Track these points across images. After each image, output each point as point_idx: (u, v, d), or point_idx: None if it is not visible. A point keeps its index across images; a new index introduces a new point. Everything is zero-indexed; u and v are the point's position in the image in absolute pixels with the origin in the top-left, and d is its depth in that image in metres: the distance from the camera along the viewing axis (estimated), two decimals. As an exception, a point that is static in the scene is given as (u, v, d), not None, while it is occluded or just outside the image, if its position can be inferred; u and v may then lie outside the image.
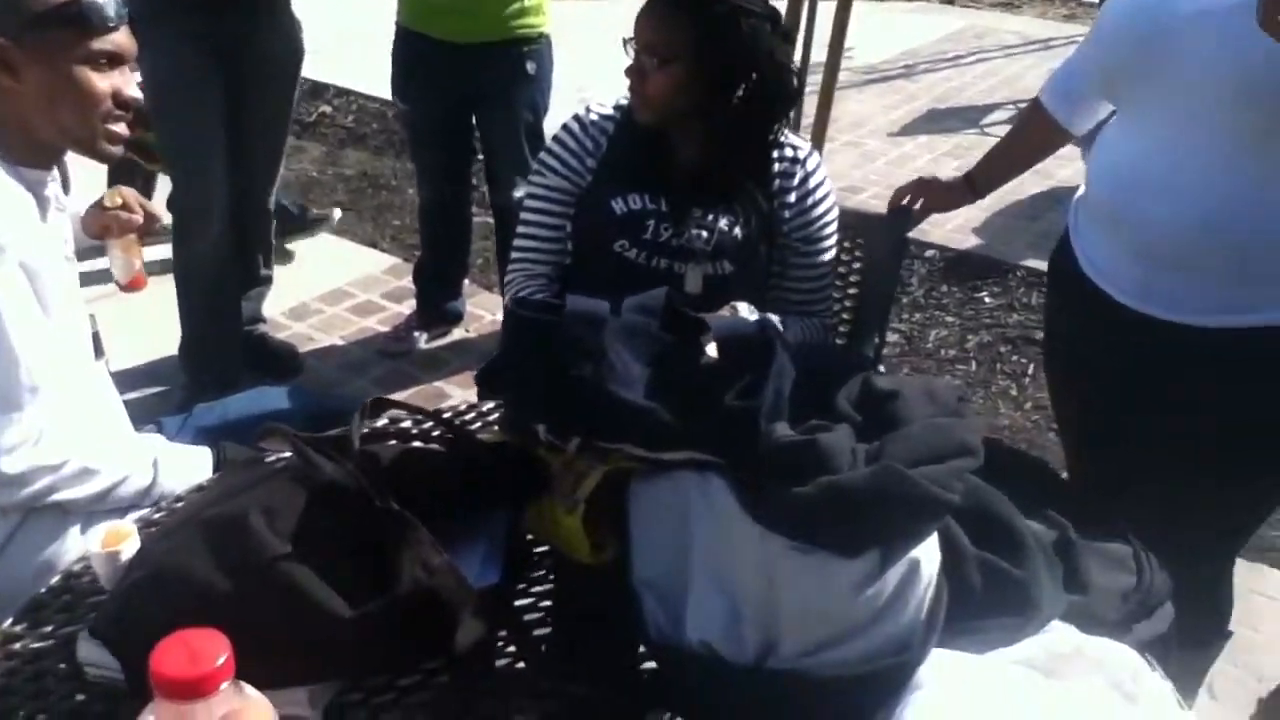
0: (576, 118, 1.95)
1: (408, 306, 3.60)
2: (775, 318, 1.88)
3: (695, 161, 1.88)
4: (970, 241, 4.23)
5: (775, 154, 1.92)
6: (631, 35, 1.82)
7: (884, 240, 2.22)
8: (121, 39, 1.56)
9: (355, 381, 3.24)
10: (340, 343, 3.44)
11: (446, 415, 1.52)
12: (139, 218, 1.95)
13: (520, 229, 1.98)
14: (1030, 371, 3.45)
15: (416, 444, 1.31)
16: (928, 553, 1.02)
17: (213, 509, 1.13)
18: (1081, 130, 1.95)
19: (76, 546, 1.58)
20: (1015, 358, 3.55)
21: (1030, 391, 3.36)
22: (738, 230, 1.87)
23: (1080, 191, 1.81)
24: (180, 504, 1.39)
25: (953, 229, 4.25)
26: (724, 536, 1.07)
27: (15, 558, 1.57)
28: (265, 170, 3.08)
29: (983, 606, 1.05)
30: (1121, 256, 1.64)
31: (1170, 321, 1.58)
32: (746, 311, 1.83)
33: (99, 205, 1.93)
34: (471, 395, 2.91)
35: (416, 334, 3.43)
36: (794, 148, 1.94)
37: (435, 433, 1.36)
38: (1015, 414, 3.26)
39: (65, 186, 1.75)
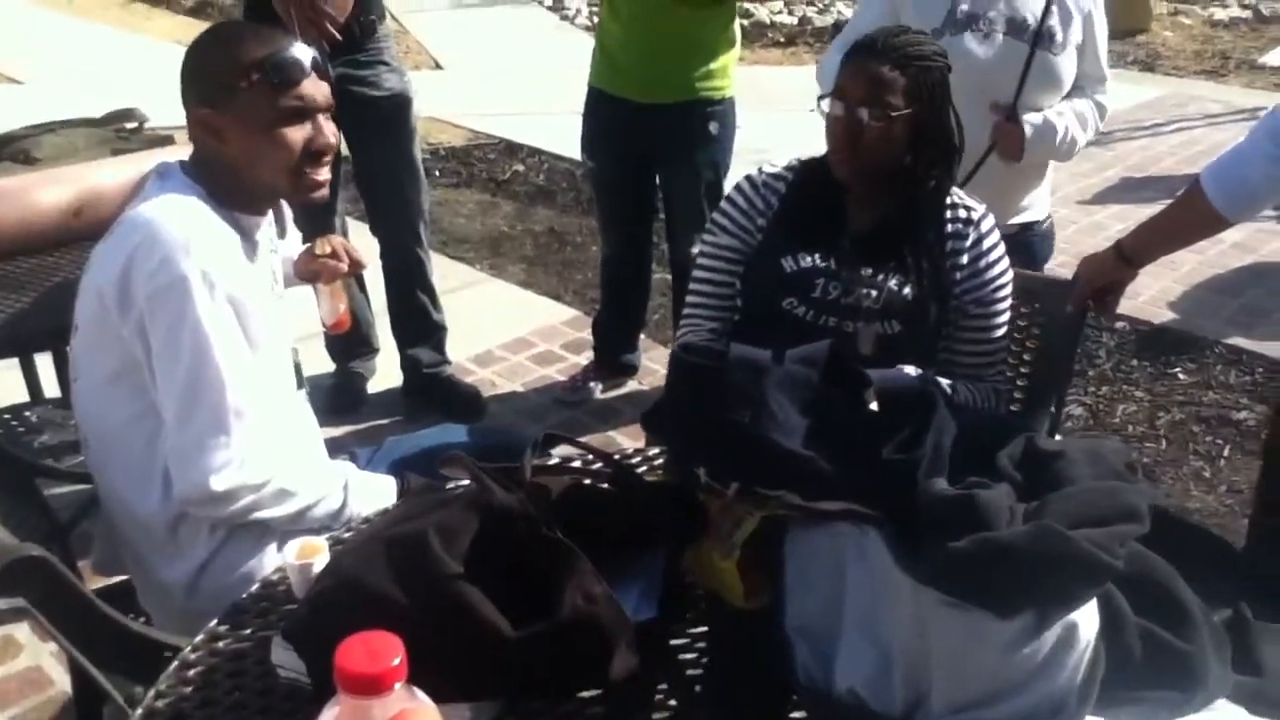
0: (749, 178, 1.99)
1: (585, 358, 3.71)
2: (945, 382, 1.88)
3: (869, 220, 1.89)
4: (1165, 315, 4.06)
5: (949, 214, 1.93)
6: (832, 90, 1.84)
7: (1064, 309, 2.17)
8: (309, 90, 1.65)
9: (532, 427, 3.35)
10: (520, 389, 3.58)
11: (614, 455, 1.58)
12: (345, 265, 2.10)
13: (692, 285, 2.03)
14: (1226, 453, 3.28)
15: (584, 480, 1.36)
16: (1086, 617, 1.01)
17: (395, 528, 1.21)
18: (1241, 220, 1.90)
19: (274, 562, 1.69)
20: (1209, 438, 3.37)
21: (1225, 474, 3.18)
22: (908, 290, 1.87)
23: None
24: (366, 524, 1.49)
25: (1146, 301, 4.09)
26: (878, 588, 1.08)
27: (220, 569, 1.70)
28: (405, 219, 3.20)
29: (1143, 677, 1.02)
30: None
31: None
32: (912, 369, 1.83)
33: (309, 252, 2.08)
34: (640, 443, 2.98)
35: (593, 384, 3.54)
36: (967, 208, 1.94)
37: (602, 471, 1.42)
38: (1207, 497, 3.10)
39: (282, 229, 1.90)
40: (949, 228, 1.92)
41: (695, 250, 2.07)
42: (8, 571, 1.30)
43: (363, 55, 2.98)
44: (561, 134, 5.78)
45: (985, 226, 1.94)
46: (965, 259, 1.92)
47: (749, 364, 1.21)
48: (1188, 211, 1.96)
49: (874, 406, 1.26)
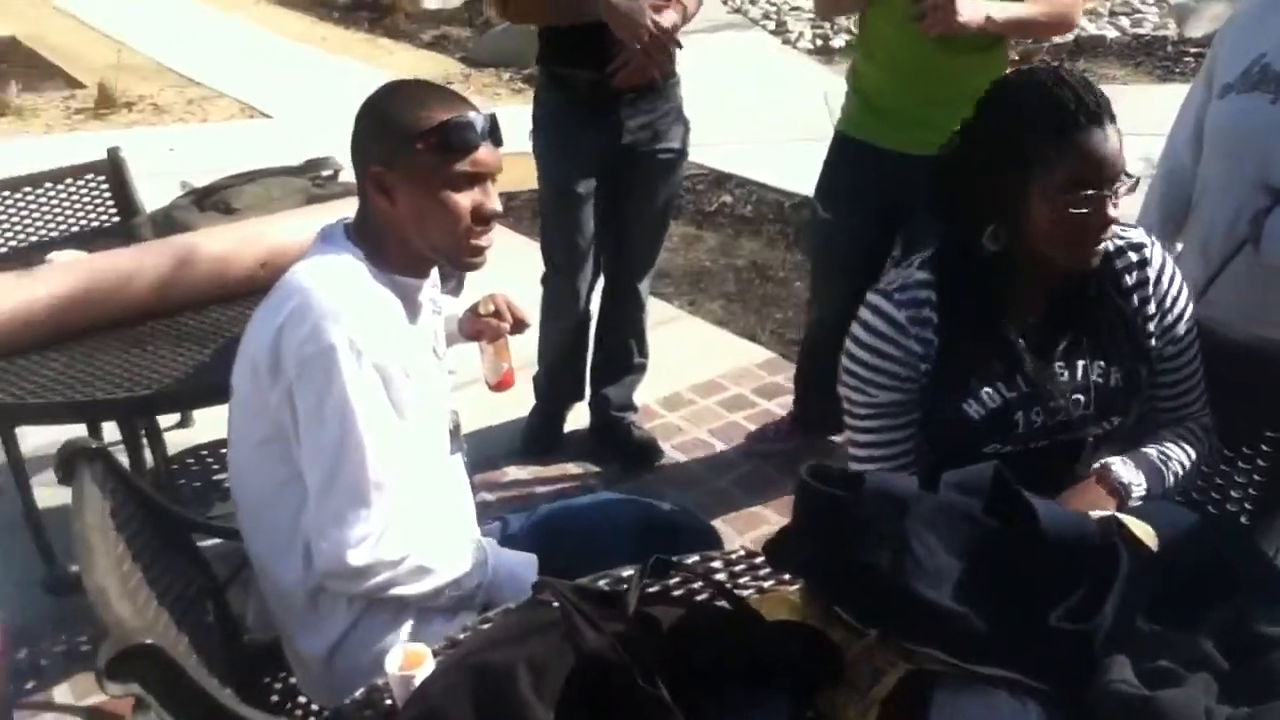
0: (883, 315, 1.64)
1: (778, 404, 3.54)
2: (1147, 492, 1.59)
3: (1038, 310, 1.62)
4: None
5: (1117, 262, 1.65)
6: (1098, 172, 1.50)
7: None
8: (483, 156, 1.62)
9: (717, 481, 3.22)
10: (707, 437, 3.45)
11: (736, 565, 1.41)
12: (509, 324, 2.05)
13: (854, 449, 1.72)
14: None
15: (707, 612, 1.22)
16: None
17: (486, 654, 1.11)
18: None
19: (394, 663, 1.64)
20: None
21: None
22: (1114, 375, 1.62)
23: None
24: (466, 633, 1.38)
25: None
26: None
27: (356, 644, 1.67)
28: (641, 262, 3.17)
29: None
30: None
31: None
32: (1124, 471, 1.57)
33: (473, 310, 2.04)
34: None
35: (789, 435, 3.34)
36: (1131, 243, 1.66)
37: (724, 603, 1.25)
38: None
39: (458, 289, 1.85)
40: (1126, 279, 1.65)
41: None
42: (122, 658, 1.28)
43: (665, 101, 2.92)
44: (774, 164, 5.64)
45: (1155, 255, 1.67)
46: (1152, 306, 1.66)
47: (887, 495, 1.03)
48: None
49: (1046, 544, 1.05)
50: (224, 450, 1.91)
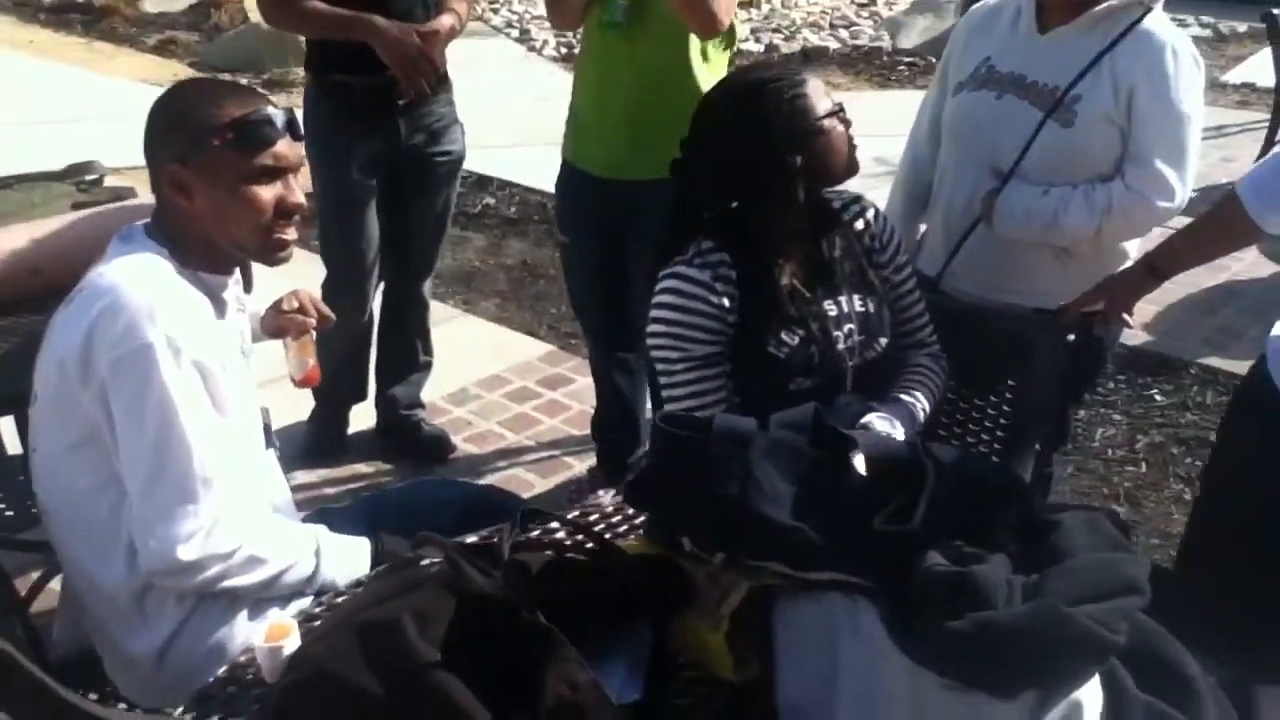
0: (690, 279, 1.82)
1: (564, 394, 3.67)
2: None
3: (801, 264, 1.87)
4: (1141, 338, 4.05)
5: (838, 208, 1.96)
6: (831, 106, 1.83)
7: (1048, 340, 2.16)
8: (283, 150, 1.63)
9: (511, 469, 3.31)
10: (497, 429, 3.53)
11: (594, 524, 1.54)
12: (313, 320, 2.06)
13: (678, 408, 1.84)
14: (1205, 475, 3.27)
15: (569, 553, 1.32)
16: (1090, 695, 0.97)
17: (367, 613, 1.17)
18: (1277, 230, 1.85)
19: (244, 631, 1.65)
20: (1189, 459, 3.36)
21: (1206, 498, 3.17)
22: (870, 304, 1.90)
23: None
24: (340, 600, 1.44)
25: (1121, 323, 4.09)
26: (873, 666, 1.05)
27: (188, 640, 1.64)
28: (423, 264, 3.20)
29: (1150, 757, 0.99)
30: None
31: None
32: (883, 424, 1.80)
33: (276, 307, 2.04)
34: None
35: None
36: (846, 196, 1.98)
37: (584, 544, 1.37)
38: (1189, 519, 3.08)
39: (248, 286, 1.86)
40: (856, 225, 1.96)
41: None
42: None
43: (440, 106, 2.94)
44: (532, 167, 5.76)
45: (868, 205, 2.00)
46: (877, 243, 1.97)
47: (734, 435, 1.17)
48: (1223, 223, 1.92)
49: (861, 470, 1.22)
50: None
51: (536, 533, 1.45)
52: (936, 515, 1.12)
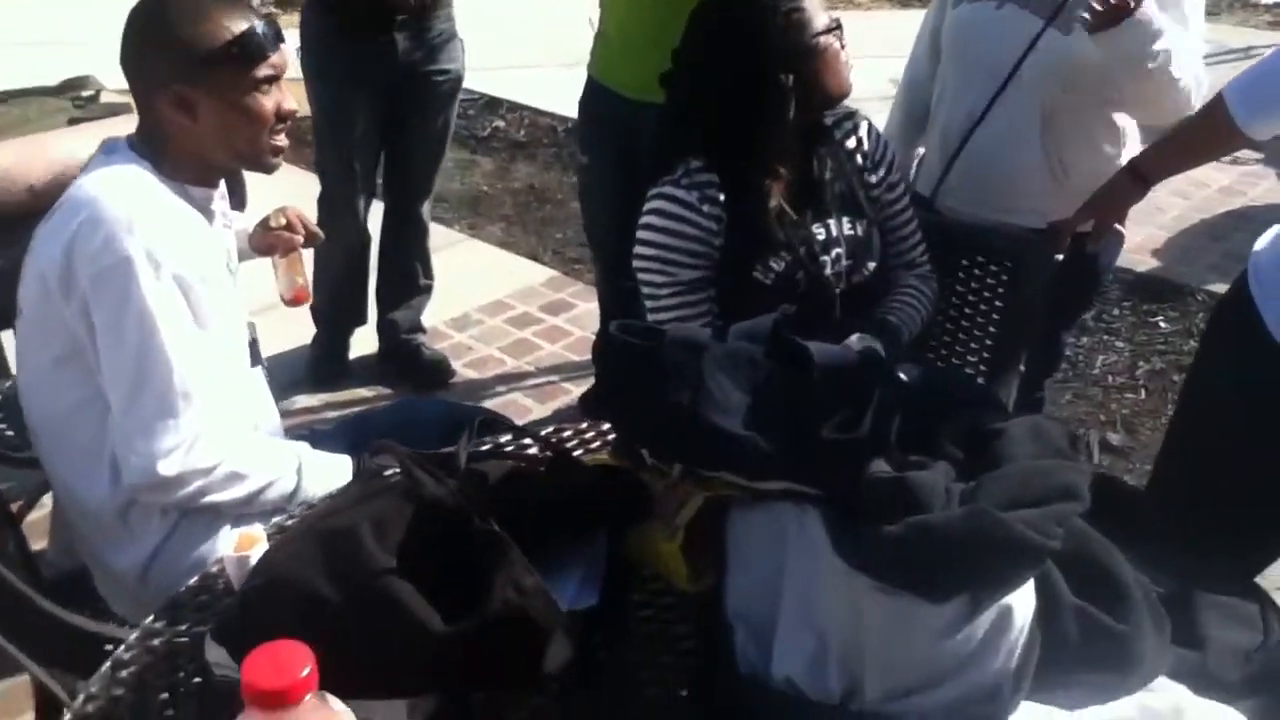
0: (680, 200, 1.80)
1: (566, 320, 3.68)
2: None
3: (789, 185, 1.83)
4: (1149, 264, 4.02)
5: (832, 126, 1.91)
6: (828, 22, 1.77)
7: (1037, 258, 2.14)
8: (278, 59, 1.64)
9: (510, 394, 3.34)
10: (498, 354, 3.55)
11: (554, 437, 1.55)
12: (301, 237, 2.06)
13: (659, 319, 1.85)
14: (1206, 402, 3.25)
15: (530, 464, 1.34)
16: (1021, 600, 0.99)
17: (328, 520, 1.19)
18: (1261, 137, 1.81)
19: (228, 546, 1.68)
20: (1191, 387, 3.35)
21: (1205, 423, 3.15)
22: (859, 227, 1.87)
23: (1265, 241, 1.65)
24: (309, 510, 1.47)
25: (1129, 249, 4.02)
26: (814, 572, 1.06)
27: (171, 555, 1.68)
28: (421, 185, 3.21)
29: (1079, 660, 1.00)
30: None
31: None
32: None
33: (264, 224, 2.04)
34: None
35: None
36: (838, 113, 1.93)
37: (543, 454, 1.39)
38: (1187, 446, 3.07)
39: (241, 203, 1.87)
40: (848, 144, 1.93)
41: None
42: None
43: (440, 22, 2.91)
44: (544, 89, 5.72)
45: (861, 121, 1.95)
46: (869, 162, 1.94)
47: (687, 344, 1.17)
48: (1208, 127, 1.88)
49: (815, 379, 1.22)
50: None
51: (510, 447, 1.46)
52: (885, 425, 1.12)
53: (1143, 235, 4.15)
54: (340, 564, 1.12)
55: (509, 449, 1.43)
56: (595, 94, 2.70)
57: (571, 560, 1.24)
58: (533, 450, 1.46)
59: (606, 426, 1.61)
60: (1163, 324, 3.69)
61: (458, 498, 1.14)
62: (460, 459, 1.21)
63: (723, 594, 1.16)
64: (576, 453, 1.49)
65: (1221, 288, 3.86)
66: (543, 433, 1.57)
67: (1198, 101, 2.04)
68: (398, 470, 1.21)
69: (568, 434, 1.64)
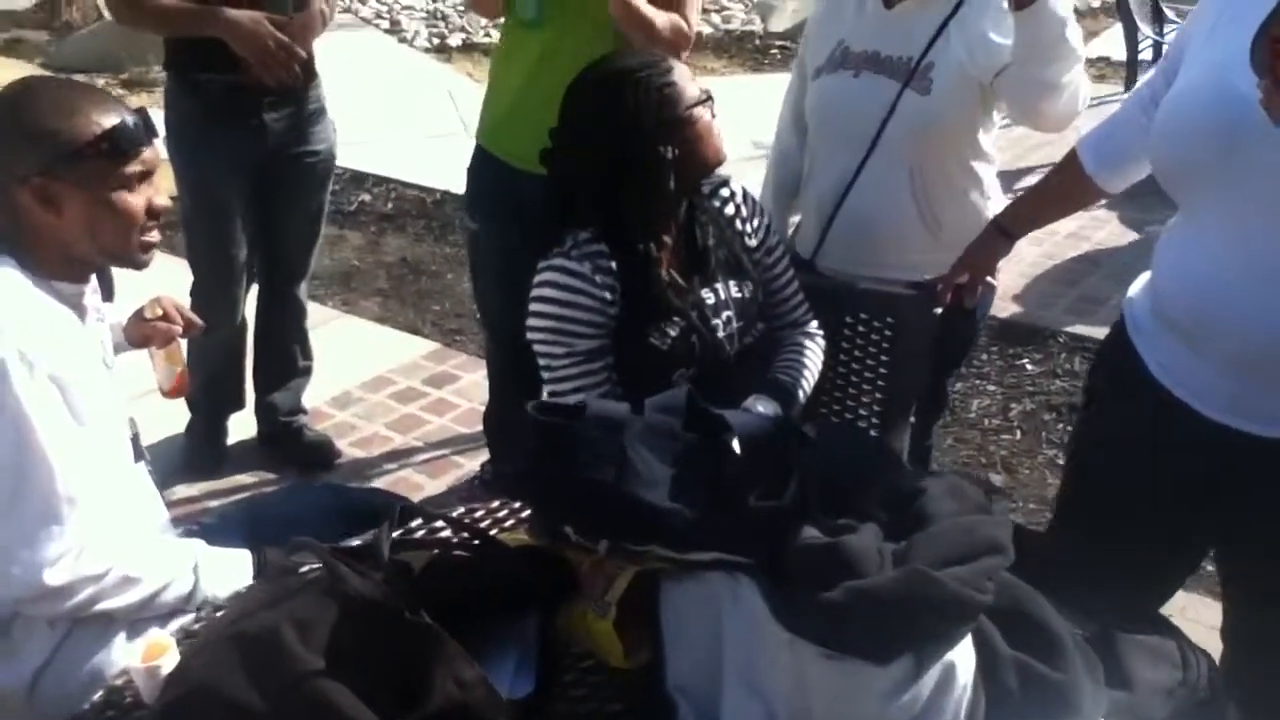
0: (570, 271, 1.80)
1: (451, 392, 3.62)
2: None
3: (674, 253, 1.88)
4: (1011, 309, 4.20)
5: (707, 193, 1.95)
6: (699, 94, 1.81)
7: (919, 315, 2.22)
8: (149, 155, 1.61)
9: (400, 470, 3.26)
10: (384, 430, 3.47)
11: (479, 521, 1.53)
12: (179, 327, 2.00)
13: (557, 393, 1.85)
14: (1076, 439, 3.40)
15: (452, 549, 1.31)
16: (962, 656, 1.01)
17: (244, 623, 1.14)
18: (1114, 189, 1.92)
19: (122, 654, 1.59)
20: (1060, 425, 3.50)
21: (1077, 460, 3.30)
22: (745, 289, 1.91)
23: (1137, 290, 1.74)
24: (219, 613, 1.40)
25: (991, 295, 4.23)
26: (755, 640, 1.07)
27: (63, 668, 1.58)
28: (298, 266, 3.13)
29: (1021, 710, 1.03)
30: (1203, 368, 1.52)
31: (1266, 437, 1.47)
32: (764, 407, 1.82)
33: (139, 315, 1.97)
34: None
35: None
36: (713, 182, 1.97)
37: (466, 539, 1.37)
38: (1063, 483, 3.21)
39: (110, 293, 1.80)
40: (726, 211, 1.97)
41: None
42: None
43: (309, 104, 2.85)
44: (409, 161, 5.68)
45: (736, 187, 2.00)
46: (747, 227, 1.98)
47: (607, 420, 1.18)
48: (1065, 180, 1.96)
49: (737, 449, 1.24)
50: None
51: (421, 532, 1.43)
52: (809, 490, 1.14)
53: (1002, 282, 4.32)
54: (264, 669, 1.08)
55: (426, 536, 1.40)
56: (484, 162, 2.68)
57: (504, 645, 1.21)
58: (447, 534, 1.43)
59: (518, 504, 1.60)
60: (1029, 366, 3.85)
61: (385, 591, 1.11)
62: (383, 550, 1.17)
63: (661, 668, 1.16)
64: (492, 532, 1.47)
65: (1080, 329, 4.10)
66: (454, 515, 1.54)
67: (1082, 107, 2.16)
68: (314, 566, 1.18)
69: (479, 514, 1.61)
